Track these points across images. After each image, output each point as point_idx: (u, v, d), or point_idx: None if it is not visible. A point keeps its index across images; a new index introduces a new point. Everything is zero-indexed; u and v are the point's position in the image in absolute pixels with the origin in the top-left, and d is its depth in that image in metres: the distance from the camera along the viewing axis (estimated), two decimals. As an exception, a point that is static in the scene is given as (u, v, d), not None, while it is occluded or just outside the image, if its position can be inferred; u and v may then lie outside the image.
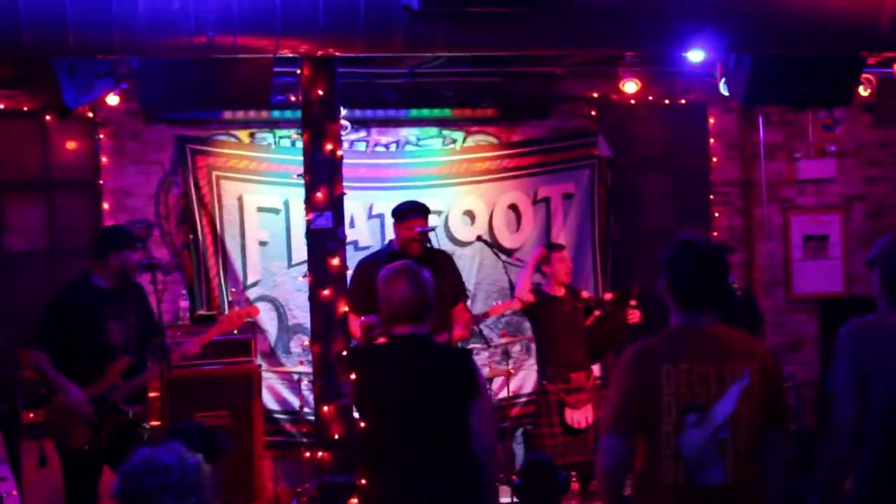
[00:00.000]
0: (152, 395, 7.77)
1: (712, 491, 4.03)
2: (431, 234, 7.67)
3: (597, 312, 8.32)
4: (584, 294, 8.42)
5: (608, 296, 8.49)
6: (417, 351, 4.83)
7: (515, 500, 7.97)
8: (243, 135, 9.51)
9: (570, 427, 8.14)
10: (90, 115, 9.11)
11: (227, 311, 8.92)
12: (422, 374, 4.79)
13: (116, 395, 6.69)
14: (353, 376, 5.01)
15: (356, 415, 4.98)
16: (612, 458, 4.16)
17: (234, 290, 9.13)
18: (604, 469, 4.19)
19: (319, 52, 6.17)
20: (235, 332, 8.41)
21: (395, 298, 4.78)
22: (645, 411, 4.08)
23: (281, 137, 9.56)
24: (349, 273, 6.98)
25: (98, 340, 6.69)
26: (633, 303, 8.14)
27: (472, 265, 9.80)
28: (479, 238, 8.76)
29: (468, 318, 7.86)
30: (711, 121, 10.59)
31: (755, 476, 4.08)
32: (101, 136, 9.21)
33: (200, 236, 9.18)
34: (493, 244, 9.19)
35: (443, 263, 7.36)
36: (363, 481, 4.97)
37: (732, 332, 4.25)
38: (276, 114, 9.35)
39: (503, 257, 8.66)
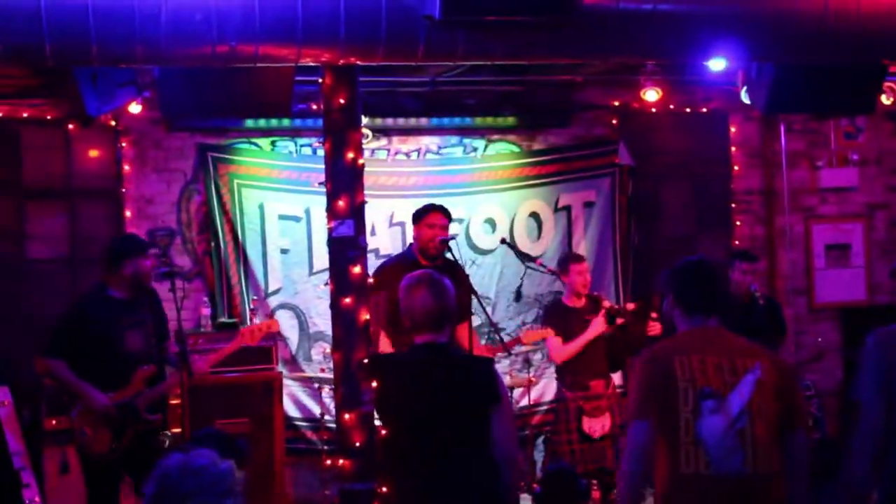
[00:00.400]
0: (173, 402, 7.81)
1: (733, 480, 4.05)
2: (453, 243, 7.69)
3: (619, 320, 8.29)
4: (606, 303, 8.39)
5: (631, 306, 8.45)
6: (437, 359, 4.85)
7: (536, 508, 7.96)
8: (265, 143, 9.54)
9: (587, 435, 8.12)
10: (112, 123, 9.15)
11: (248, 319, 8.97)
12: (441, 382, 4.81)
13: (140, 402, 6.74)
14: (374, 384, 5.04)
15: (378, 422, 4.99)
16: (637, 446, 4.20)
17: (255, 297, 9.16)
18: (630, 452, 4.23)
19: (341, 61, 6.19)
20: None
21: (416, 307, 4.81)
22: (663, 400, 4.13)
23: (302, 146, 9.59)
24: (371, 281, 6.99)
25: (117, 350, 6.74)
26: (654, 315, 8.11)
27: (494, 273, 9.81)
28: (503, 241, 8.75)
29: (476, 340, 7.88)
30: (733, 129, 10.56)
31: (776, 470, 4.10)
32: (123, 144, 9.25)
33: (222, 244, 9.21)
34: (515, 247, 9.19)
35: (460, 276, 7.38)
36: (384, 489, 4.98)
37: (739, 337, 4.36)
38: (298, 122, 9.38)
39: (527, 262, 8.67)
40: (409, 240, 9.21)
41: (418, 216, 7.57)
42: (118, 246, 7.05)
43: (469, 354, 6.63)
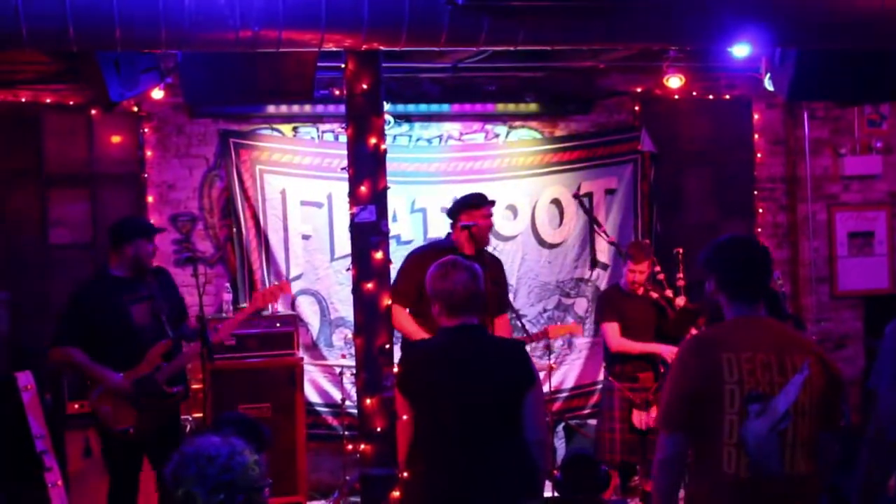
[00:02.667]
0: (195, 387, 7.84)
1: (772, 481, 4.00)
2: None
3: (680, 300, 8.18)
4: (654, 294, 8.27)
5: (680, 301, 8.25)
6: (473, 340, 4.89)
7: (556, 494, 7.95)
8: (286, 129, 9.55)
9: (636, 428, 8.07)
10: (135, 109, 9.18)
11: (269, 305, 9.00)
12: (479, 362, 4.84)
13: (160, 376, 6.78)
14: (407, 367, 5.04)
15: (408, 405, 4.97)
16: (669, 456, 4.14)
17: (276, 283, 9.16)
18: (660, 461, 4.16)
19: (364, 47, 6.17)
20: (278, 325, 8.51)
21: (458, 289, 4.84)
22: (705, 401, 4.05)
23: (324, 132, 9.60)
24: (392, 266, 7.00)
25: (126, 326, 6.79)
26: (700, 322, 8.06)
27: (515, 260, 9.81)
28: (575, 195, 9.13)
29: (510, 331, 7.89)
30: (756, 116, 10.52)
31: (813, 470, 4.07)
32: (146, 130, 9.28)
33: (244, 230, 9.23)
34: (584, 205, 9.22)
35: (493, 267, 7.41)
36: (409, 472, 4.98)
37: (786, 327, 4.28)
38: (320, 108, 9.39)
39: (596, 226, 8.86)
40: (431, 226, 9.21)
41: (475, 206, 7.58)
42: (121, 227, 7.10)
43: (502, 337, 6.67)
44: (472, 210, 7.57)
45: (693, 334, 4.37)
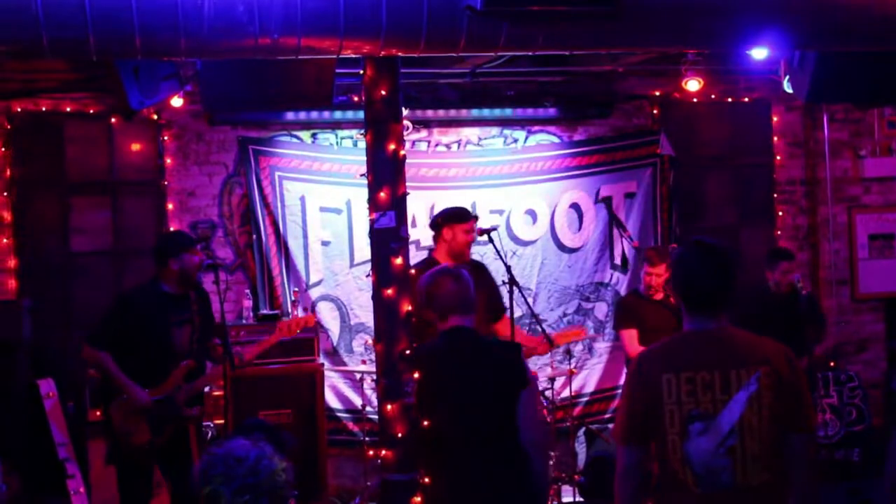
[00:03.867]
0: (216, 393, 7.86)
1: (722, 495, 3.97)
2: (494, 234, 7.71)
3: None
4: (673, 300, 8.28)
5: None
6: (467, 342, 5.00)
7: (580, 499, 7.95)
8: (305, 136, 9.57)
9: None
10: (154, 117, 9.21)
11: (289, 311, 9.02)
12: (474, 364, 4.94)
13: (180, 396, 6.78)
14: (416, 374, 5.10)
15: (419, 412, 5.05)
16: (624, 466, 4.14)
17: (296, 289, 9.20)
18: (618, 472, 4.17)
19: (382, 53, 6.16)
20: (298, 331, 8.52)
21: (442, 293, 5.05)
22: (649, 419, 4.05)
23: (343, 138, 9.62)
24: (413, 273, 7.02)
25: (163, 346, 6.80)
26: None
27: (534, 264, 9.82)
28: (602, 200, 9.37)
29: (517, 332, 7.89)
30: (775, 119, 10.51)
31: (771, 480, 4.00)
32: (166, 137, 9.31)
33: (263, 236, 9.25)
34: (612, 212, 9.22)
35: (479, 273, 7.46)
36: (426, 479, 5.01)
37: (743, 335, 4.11)
38: (338, 114, 9.39)
39: (620, 230, 9.07)
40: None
41: (457, 220, 7.64)
42: (163, 243, 7.12)
43: (497, 339, 6.75)
44: (450, 225, 7.64)
45: (640, 351, 4.29)
